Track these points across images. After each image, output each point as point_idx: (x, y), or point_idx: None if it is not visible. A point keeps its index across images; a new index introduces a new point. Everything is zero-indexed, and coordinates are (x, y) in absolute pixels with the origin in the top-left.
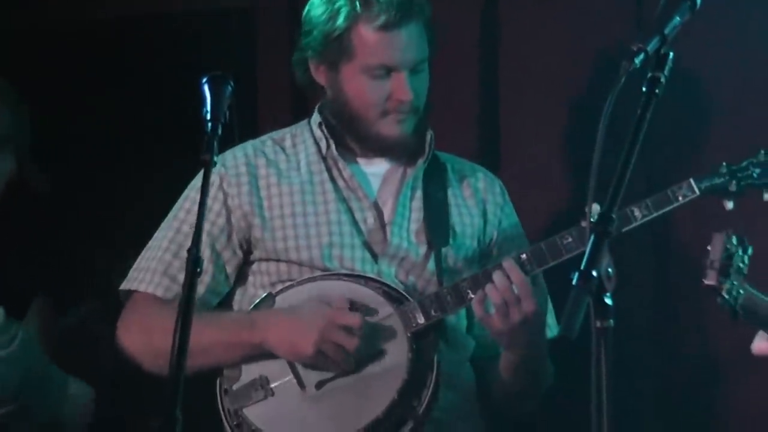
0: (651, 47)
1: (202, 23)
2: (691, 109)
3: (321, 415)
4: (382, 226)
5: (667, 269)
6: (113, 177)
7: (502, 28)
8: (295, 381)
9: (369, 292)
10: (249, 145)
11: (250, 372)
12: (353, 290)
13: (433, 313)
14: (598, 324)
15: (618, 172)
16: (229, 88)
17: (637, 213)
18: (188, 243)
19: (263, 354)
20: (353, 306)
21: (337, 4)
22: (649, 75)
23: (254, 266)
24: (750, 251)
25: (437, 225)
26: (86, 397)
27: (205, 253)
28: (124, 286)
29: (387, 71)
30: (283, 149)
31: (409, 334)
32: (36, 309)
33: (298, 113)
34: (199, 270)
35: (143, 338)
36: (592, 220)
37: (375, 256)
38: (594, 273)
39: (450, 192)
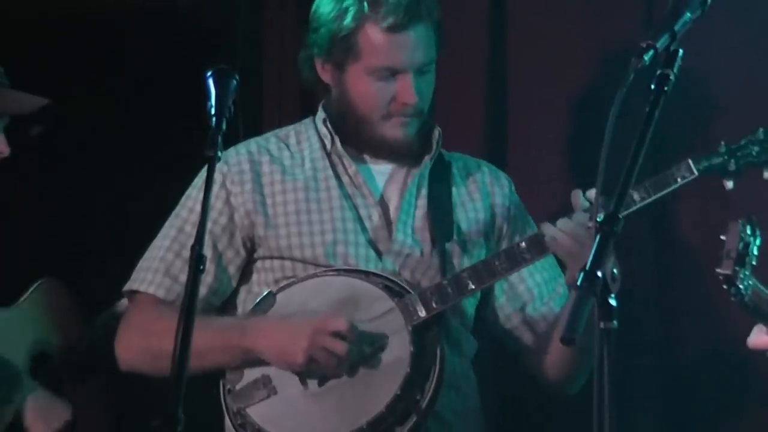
0: (660, 44)
1: (207, 16)
2: (699, 106)
3: (324, 411)
4: (387, 223)
5: (669, 270)
6: (118, 168)
7: (509, 26)
8: (297, 379)
9: (369, 287)
10: (252, 142)
11: (252, 372)
12: (353, 285)
13: (434, 305)
14: (602, 325)
15: (626, 170)
16: (234, 82)
17: (636, 196)
18: (191, 242)
19: (259, 358)
20: (352, 302)
21: (345, 4)
22: (659, 72)
23: (258, 264)
24: (759, 242)
25: (442, 222)
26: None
27: (208, 253)
28: (127, 286)
29: (393, 73)
30: (288, 146)
31: (410, 328)
32: (43, 290)
33: (304, 110)
34: (202, 268)
35: (142, 340)
36: (597, 219)
37: (379, 254)
38: (599, 274)
39: (455, 190)
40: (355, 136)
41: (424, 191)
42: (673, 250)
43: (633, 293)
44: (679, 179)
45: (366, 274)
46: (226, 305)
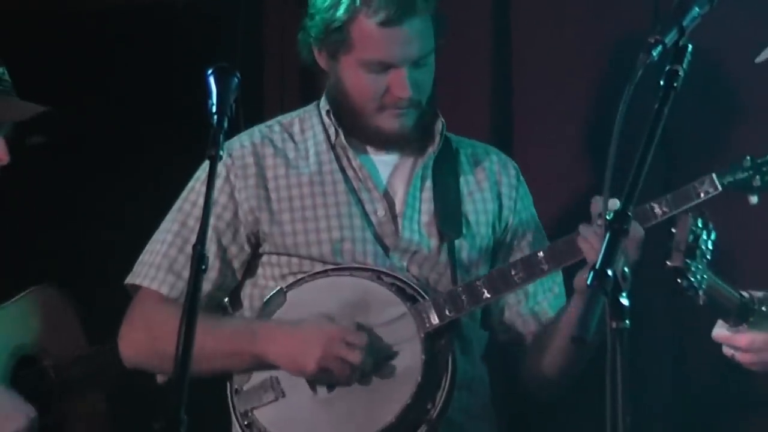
0: (669, 39)
1: (207, 10)
2: (711, 102)
3: (332, 418)
4: (393, 217)
5: None
6: (117, 167)
7: (516, 17)
8: (306, 384)
9: (381, 290)
10: (256, 131)
11: (260, 374)
12: (365, 287)
13: (447, 313)
14: (614, 325)
15: (635, 167)
16: (235, 80)
17: (657, 210)
18: (194, 237)
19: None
20: (363, 305)
21: None
22: (667, 68)
23: (264, 259)
24: (714, 236)
25: (449, 217)
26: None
27: (212, 248)
28: (129, 280)
29: (385, 67)
30: (292, 136)
31: (422, 335)
32: (36, 295)
33: (306, 96)
34: (204, 267)
35: (147, 340)
36: (608, 217)
37: (386, 249)
38: (609, 272)
39: (462, 179)
40: (355, 127)
41: (429, 183)
42: None
43: (646, 295)
44: (702, 194)
45: (377, 275)
46: (231, 299)
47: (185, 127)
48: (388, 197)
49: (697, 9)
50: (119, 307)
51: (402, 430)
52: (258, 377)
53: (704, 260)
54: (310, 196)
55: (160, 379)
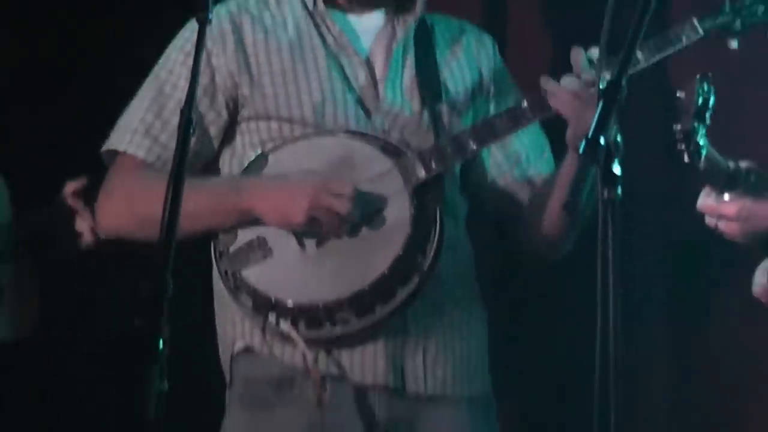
0: None
1: None
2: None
3: (323, 273)
4: (374, 83)
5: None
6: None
7: None
8: (294, 240)
9: (365, 147)
10: (232, 2)
11: (246, 233)
12: (349, 146)
13: (433, 165)
14: (605, 194)
15: (632, 30)
16: None
17: (639, 55)
18: (171, 104)
19: (255, 219)
20: (347, 162)
21: None
22: None
23: (242, 126)
24: (714, 101)
25: (430, 82)
26: None
27: None
28: (106, 146)
29: None
30: (267, 5)
31: (409, 189)
32: None
33: None
34: (193, 130)
35: (127, 205)
36: (600, 85)
37: (368, 113)
38: (602, 141)
39: (439, 52)
40: None
41: (410, 52)
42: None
43: (638, 270)
44: (684, 38)
45: (361, 136)
46: (208, 169)
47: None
48: (368, 63)
49: None
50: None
51: (394, 282)
52: (244, 237)
53: (707, 125)
54: (291, 61)
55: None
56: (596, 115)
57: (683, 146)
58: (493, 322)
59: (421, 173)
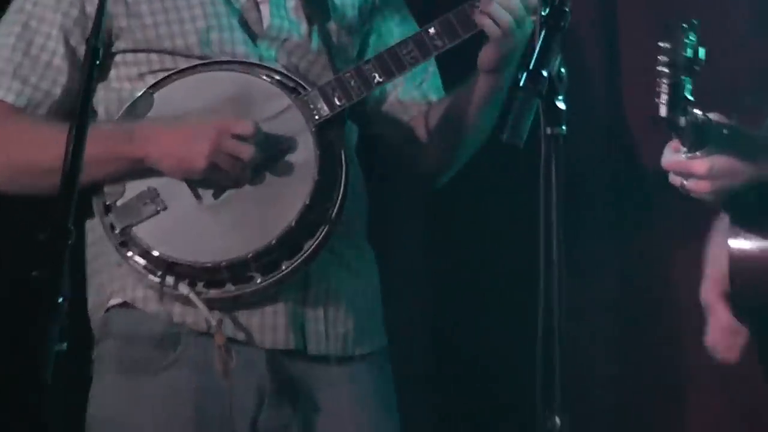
0: None
1: None
2: None
3: (224, 226)
4: (256, 4)
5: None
6: None
7: None
8: (188, 191)
9: (260, 82)
10: None
11: (135, 184)
12: (242, 80)
13: (336, 101)
14: (549, 131)
15: None
16: None
17: None
18: (39, 39)
19: (147, 169)
20: (243, 100)
21: None
22: None
23: (117, 58)
24: (703, 53)
25: (316, 1)
26: None
27: (59, 49)
28: None
29: None
30: None
31: (313, 128)
32: None
33: None
34: (98, 62)
35: (4, 159)
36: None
37: (254, 38)
38: (544, 73)
39: None
40: None
41: None
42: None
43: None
44: None
45: (254, 68)
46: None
47: None
48: None
49: None
50: None
51: (302, 234)
52: (133, 189)
53: (694, 77)
54: None
55: None
56: (538, 45)
57: (667, 99)
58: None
59: (324, 110)
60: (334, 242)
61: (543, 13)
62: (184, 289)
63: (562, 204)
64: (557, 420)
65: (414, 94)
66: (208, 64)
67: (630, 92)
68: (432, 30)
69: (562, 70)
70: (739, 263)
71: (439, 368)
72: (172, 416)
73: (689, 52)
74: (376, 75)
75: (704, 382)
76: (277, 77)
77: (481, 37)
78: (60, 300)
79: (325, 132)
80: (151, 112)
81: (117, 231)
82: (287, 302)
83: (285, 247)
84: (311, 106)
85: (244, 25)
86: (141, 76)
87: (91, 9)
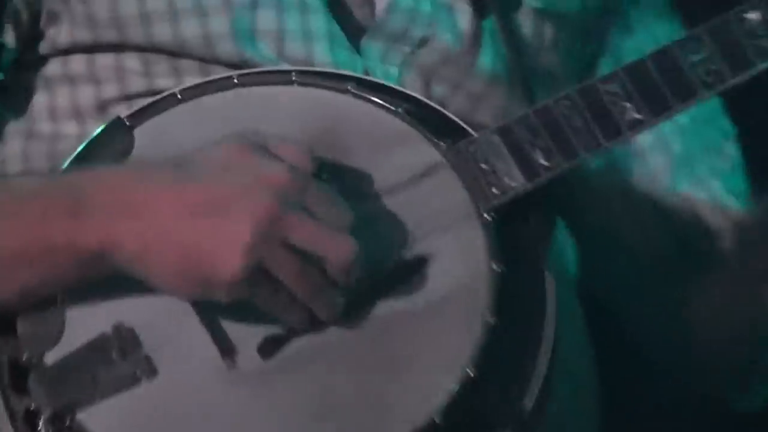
0: None
1: None
2: None
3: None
4: None
5: None
6: None
7: None
8: (204, 335)
9: (372, 115)
10: None
11: (85, 316)
12: (331, 110)
13: (542, 161)
14: None
15: None
16: None
17: None
18: None
19: (111, 277)
20: (338, 151)
21: None
22: None
23: (50, 66)
24: None
25: None
26: None
27: None
28: None
29: None
30: None
31: (485, 216)
32: None
33: None
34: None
35: None
36: None
37: (354, 33)
38: None
39: None
40: None
41: None
42: None
43: None
44: None
45: (346, 83)
46: None
47: None
48: None
49: None
50: None
51: None
52: (83, 328)
53: None
54: None
55: None
56: None
57: None
58: None
59: (512, 180)
60: None
61: None
62: None
63: None
64: None
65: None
66: (250, 76)
67: None
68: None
69: None
70: None
71: None
72: None
73: None
74: (630, 108)
75: None
76: (409, 106)
77: None
78: None
79: (512, 227)
80: (130, 157)
81: (43, 417)
82: None
83: None
84: (481, 169)
85: (335, 5)
86: (101, 103)
87: None
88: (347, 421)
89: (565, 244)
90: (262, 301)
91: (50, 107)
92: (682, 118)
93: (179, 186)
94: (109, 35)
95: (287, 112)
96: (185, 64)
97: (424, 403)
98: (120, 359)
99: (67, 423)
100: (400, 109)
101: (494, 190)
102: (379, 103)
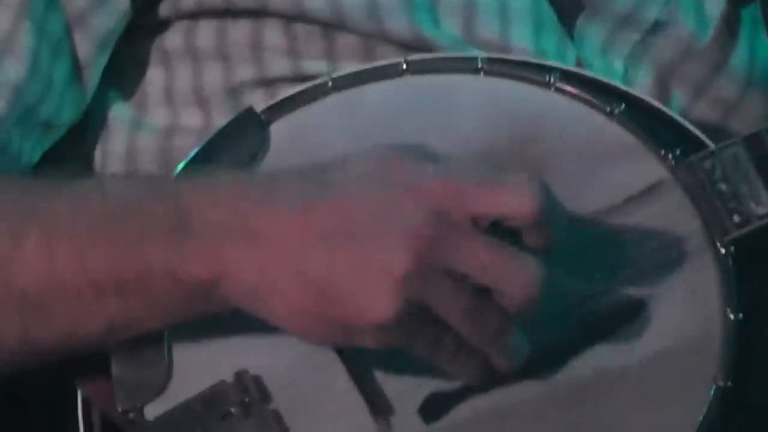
0: None
1: None
2: None
3: None
4: None
5: None
6: None
7: None
8: (355, 390)
9: (584, 114)
10: None
11: (201, 361)
12: (540, 107)
13: None
14: None
15: None
16: None
17: None
18: None
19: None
20: (532, 157)
21: None
22: None
23: (173, 35)
24: None
25: None
26: None
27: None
28: None
29: None
30: None
31: (723, 251)
32: None
33: None
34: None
35: None
36: None
37: (575, 10)
38: None
39: None
40: None
41: None
42: None
43: None
44: None
45: (549, 74)
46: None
47: None
48: None
49: None
50: None
51: None
52: (194, 373)
53: None
54: None
55: None
56: None
57: None
58: None
59: (763, 206)
60: None
61: None
62: None
63: None
64: None
65: None
66: (425, 62)
67: None
68: None
69: None
70: None
71: None
72: None
73: None
74: None
75: None
76: (623, 104)
77: None
78: None
79: (756, 265)
80: (262, 162)
81: None
82: None
83: None
84: (719, 191)
85: None
86: (232, 87)
87: None
88: None
89: None
90: (422, 350)
91: (167, 89)
92: None
93: (309, 203)
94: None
95: (470, 111)
96: (343, 41)
97: None
98: (242, 416)
99: None
100: (617, 111)
101: (735, 218)
102: (591, 102)
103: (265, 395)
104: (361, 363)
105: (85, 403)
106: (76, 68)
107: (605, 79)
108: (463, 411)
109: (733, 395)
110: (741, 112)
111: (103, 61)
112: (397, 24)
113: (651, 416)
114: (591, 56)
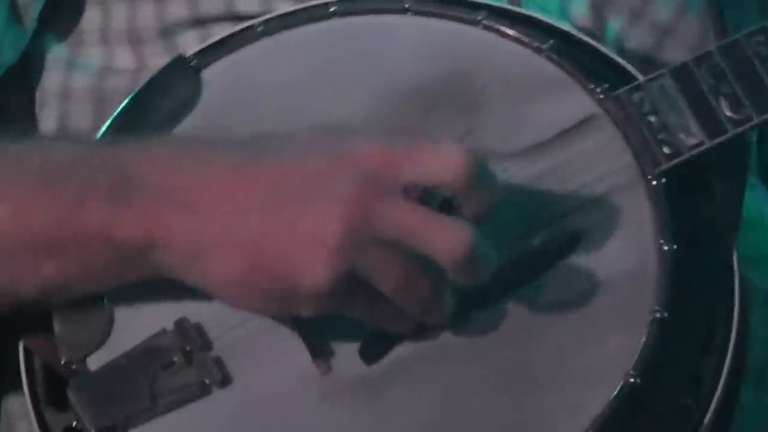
0: None
1: None
2: None
3: None
4: None
5: None
6: None
7: None
8: (295, 334)
9: (513, 51)
10: None
11: (141, 312)
12: (468, 45)
13: (730, 114)
14: None
15: None
16: None
17: None
18: None
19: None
20: (459, 99)
21: None
22: None
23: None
24: None
25: None
26: None
27: None
28: None
29: None
30: None
31: (654, 182)
32: None
33: None
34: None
35: None
36: None
37: None
38: None
39: None
40: None
41: None
42: None
43: None
44: None
45: (477, 11)
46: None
47: None
48: None
49: None
50: None
51: None
52: (136, 323)
53: None
54: None
55: None
56: None
57: None
58: None
59: (692, 137)
60: None
61: None
62: None
63: None
64: None
65: None
66: (353, 2)
67: None
68: None
69: None
70: None
71: None
72: None
73: None
74: None
75: None
76: (552, 41)
77: None
78: None
79: (688, 197)
80: (189, 118)
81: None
82: None
83: None
84: (649, 123)
85: None
86: (164, 27)
87: None
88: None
89: (764, 215)
90: (358, 314)
91: (102, 29)
92: None
93: (244, 170)
94: None
95: (401, 50)
96: None
97: (572, 421)
98: (184, 363)
99: None
100: (545, 46)
101: (665, 149)
102: (518, 39)
103: (206, 342)
104: None
105: (27, 353)
106: (14, 8)
107: (535, 15)
108: (403, 351)
109: (670, 326)
110: (677, 37)
111: (41, 0)
112: None
113: (591, 348)
114: None
